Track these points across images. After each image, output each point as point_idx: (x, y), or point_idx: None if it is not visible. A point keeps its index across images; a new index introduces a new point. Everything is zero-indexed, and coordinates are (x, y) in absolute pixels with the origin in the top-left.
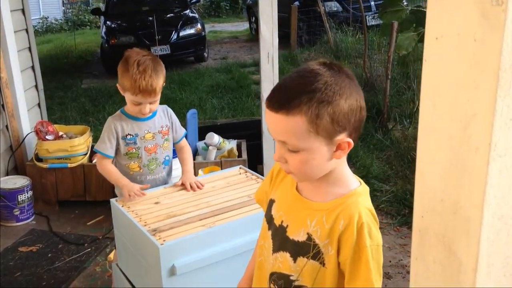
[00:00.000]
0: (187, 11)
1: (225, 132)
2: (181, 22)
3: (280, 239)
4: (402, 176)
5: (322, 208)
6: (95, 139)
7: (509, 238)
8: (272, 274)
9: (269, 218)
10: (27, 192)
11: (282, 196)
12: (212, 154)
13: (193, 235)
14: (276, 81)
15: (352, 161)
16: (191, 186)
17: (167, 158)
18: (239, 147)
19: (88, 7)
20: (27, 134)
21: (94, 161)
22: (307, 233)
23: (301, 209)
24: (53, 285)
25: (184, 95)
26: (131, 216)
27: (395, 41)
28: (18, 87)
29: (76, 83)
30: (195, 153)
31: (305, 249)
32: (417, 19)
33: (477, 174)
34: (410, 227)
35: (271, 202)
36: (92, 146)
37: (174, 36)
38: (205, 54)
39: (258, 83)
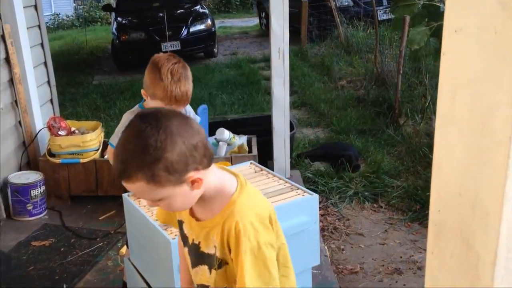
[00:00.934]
0: (197, 7)
1: (236, 127)
2: (191, 18)
3: (196, 255)
4: (414, 171)
5: (211, 225)
6: (107, 134)
7: None
8: (197, 286)
9: (183, 237)
10: (39, 187)
11: (186, 218)
12: (223, 150)
13: None
14: (287, 76)
15: (363, 156)
16: None
17: None
18: (249, 142)
19: (99, 4)
20: (40, 130)
21: (105, 157)
22: (214, 246)
23: (200, 229)
24: (66, 279)
25: (194, 91)
26: (143, 211)
27: (407, 35)
28: (31, 83)
29: (87, 79)
30: None
31: (213, 261)
32: (429, 13)
33: (497, 168)
34: (421, 223)
35: (181, 222)
36: (104, 142)
37: (184, 32)
38: (215, 50)
39: (268, 78)
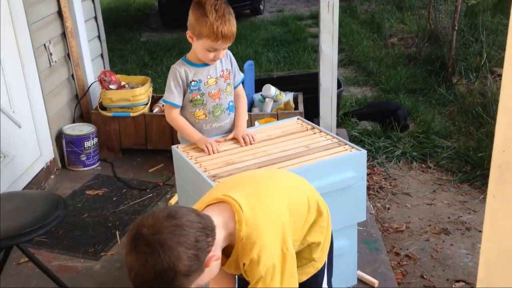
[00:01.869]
0: None
1: (282, 85)
2: None
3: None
4: (466, 132)
5: (234, 261)
6: (155, 91)
7: None
8: None
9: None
10: (92, 139)
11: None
12: (269, 106)
13: None
14: (336, 32)
15: (412, 116)
16: (244, 140)
17: (231, 104)
18: (295, 99)
19: None
20: (92, 83)
21: (154, 111)
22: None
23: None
24: (118, 226)
25: (240, 48)
26: (192, 162)
27: None
28: (82, 37)
29: (135, 36)
30: (251, 104)
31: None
32: None
33: None
34: (471, 184)
35: None
36: (153, 97)
37: None
38: (261, 7)
39: (315, 36)
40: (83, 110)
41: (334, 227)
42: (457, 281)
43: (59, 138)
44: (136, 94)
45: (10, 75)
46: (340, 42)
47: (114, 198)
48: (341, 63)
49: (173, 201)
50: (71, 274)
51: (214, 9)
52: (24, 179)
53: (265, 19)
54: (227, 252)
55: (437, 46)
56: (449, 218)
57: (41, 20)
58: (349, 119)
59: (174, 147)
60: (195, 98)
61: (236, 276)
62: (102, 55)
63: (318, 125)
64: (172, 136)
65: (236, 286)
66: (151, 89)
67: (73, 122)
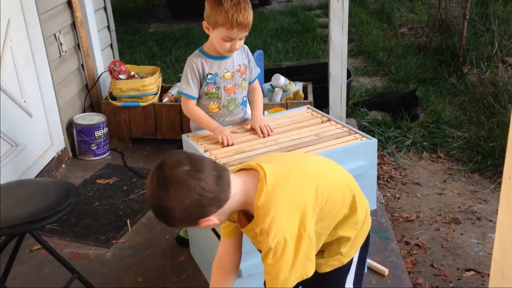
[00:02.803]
0: None
1: (291, 75)
2: None
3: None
4: (476, 122)
5: (251, 228)
6: (164, 81)
7: None
8: None
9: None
10: (103, 129)
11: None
12: (278, 96)
13: None
14: (346, 21)
15: (423, 105)
16: (261, 130)
17: (245, 99)
18: (305, 89)
19: None
20: (102, 73)
21: (164, 101)
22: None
23: (247, 232)
24: (129, 215)
25: (249, 38)
26: (202, 150)
27: None
28: (92, 27)
29: (143, 27)
30: None
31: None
32: None
33: None
34: (482, 174)
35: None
36: (162, 87)
37: None
38: None
39: (324, 26)
40: (93, 100)
41: None
42: (468, 270)
43: (69, 127)
44: (145, 84)
45: (21, 65)
46: (349, 32)
47: (125, 187)
48: (351, 53)
49: None
50: (83, 261)
51: None
52: (36, 168)
53: (274, 9)
54: (249, 216)
55: (448, 36)
56: (459, 207)
57: (51, 10)
58: (358, 109)
59: (184, 135)
60: (210, 91)
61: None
62: (111, 45)
63: (328, 114)
64: (181, 125)
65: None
66: (160, 79)
67: (83, 111)
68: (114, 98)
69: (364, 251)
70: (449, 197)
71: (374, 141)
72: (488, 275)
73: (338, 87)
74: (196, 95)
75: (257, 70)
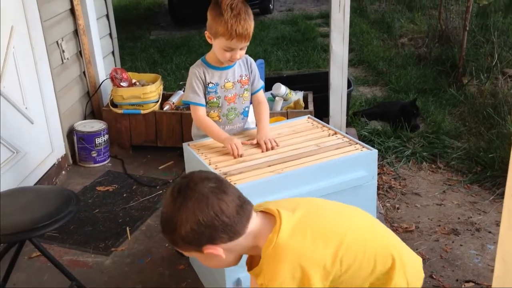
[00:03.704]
0: None
1: (292, 84)
2: None
3: None
4: (476, 133)
5: (255, 274)
6: (165, 89)
7: None
8: None
9: None
10: (103, 136)
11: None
12: (279, 105)
13: (263, 180)
14: (347, 31)
15: (423, 116)
16: (265, 144)
17: (246, 109)
18: (305, 98)
19: None
20: (103, 81)
21: (165, 109)
22: None
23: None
24: (129, 222)
25: (250, 47)
26: (202, 159)
27: None
28: (94, 35)
29: (145, 34)
30: None
31: None
32: None
33: None
34: (481, 185)
35: None
36: (163, 95)
37: None
38: (271, 6)
39: (324, 35)
40: (94, 107)
41: None
42: (467, 281)
43: (70, 134)
44: (147, 92)
45: (23, 71)
46: (350, 42)
47: (124, 195)
48: (351, 63)
49: None
50: (82, 269)
51: (230, 7)
52: (36, 175)
53: (275, 18)
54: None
55: (448, 47)
56: (458, 218)
57: (54, 17)
58: (358, 118)
59: (185, 144)
60: (212, 100)
61: None
62: (113, 53)
63: (328, 124)
64: (182, 133)
65: None
66: (161, 87)
67: (84, 118)
68: (115, 106)
69: None
70: (448, 208)
71: (374, 152)
72: (487, 287)
73: (339, 96)
74: (204, 103)
75: (260, 83)
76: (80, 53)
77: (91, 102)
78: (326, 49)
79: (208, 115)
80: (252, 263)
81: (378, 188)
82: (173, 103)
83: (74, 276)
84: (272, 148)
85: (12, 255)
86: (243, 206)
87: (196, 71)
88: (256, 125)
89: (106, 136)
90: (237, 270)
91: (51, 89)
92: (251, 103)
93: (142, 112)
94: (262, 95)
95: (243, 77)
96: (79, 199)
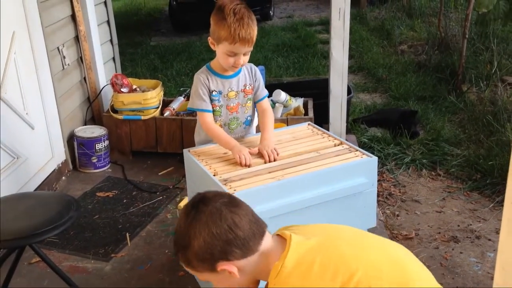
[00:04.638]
0: None
1: (292, 90)
2: None
3: None
4: (476, 140)
5: None
6: (165, 95)
7: None
8: None
9: None
10: (104, 141)
11: None
12: (279, 111)
13: (263, 186)
14: (347, 39)
15: (422, 123)
16: (268, 156)
17: (248, 118)
18: (305, 105)
19: None
20: (104, 87)
21: (165, 115)
22: None
23: None
24: (128, 228)
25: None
26: (203, 165)
27: None
28: (95, 41)
29: (145, 40)
30: None
31: None
32: None
33: None
34: (481, 192)
35: None
36: (164, 101)
37: None
38: (271, 13)
39: (324, 42)
40: (94, 112)
41: None
42: None
43: (70, 140)
44: (147, 98)
45: (24, 77)
46: (349, 48)
47: (125, 200)
48: (351, 70)
49: (183, 204)
50: (82, 275)
51: (233, 12)
52: (36, 180)
53: (275, 24)
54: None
55: (447, 54)
56: (458, 226)
57: (55, 23)
58: (358, 125)
59: (185, 150)
60: (214, 109)
61: None
62: (114, 59)
63: (328, 131)
64: (182, 139)
65: None
66: (162, 92)
67: (85, 124)
68: (115, 111)
69: None
70: (448, 215)
71: (374, 159)
72: None
73: (338, 103)
74: (211, 108)
75: (264, 92)
76: (81, 59)
77: (92, 108)
78: (326, 56)
79: None
80: None
81: (378, 195)
82: (174, 109)
83: (73, 282)
84: (274, 160)
85: (12, 261)
86: (257, 222)
87: (201, 77)
88: (260, 134)
89: (107, 142)
90: None
91: (51, 95)
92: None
93: (143, 118)
94: (267, 104)
95: (247, 87)
96: (79, 205)
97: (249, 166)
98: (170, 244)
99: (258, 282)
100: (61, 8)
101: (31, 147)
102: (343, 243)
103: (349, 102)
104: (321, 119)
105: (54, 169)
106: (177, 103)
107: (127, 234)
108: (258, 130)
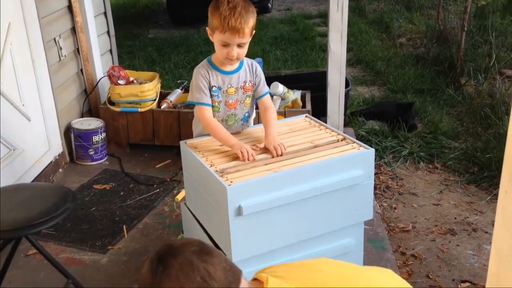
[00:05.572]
0: None
1: (290, 83)
2: None
3: None
4: (473, 133)
5: None
6: (162, 87)
7: None
8: None
9: None
10: (100, 134)
11: None
12: (276, 104)
13: (259, 178)
14: (345, 31)
15: (420, 116)
16: (275, 150)
17: (246, 114)
18: (303, 98)
19: None
20: (100, 78)
21: (162, 107)
22: None
23: None
24: (126, 220)
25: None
26: (200, 157)
27: None
28: (92, 32)
29: (143, 32)
30: None
31: None
32: None
33: None
34: (478, 185)
35: None
36: (161, 93)
37: None
38: (269, 5)
39: (323, 35)
40: (91, 104)
41: (340, 225)
42: (463, 281)
43: (67, 132)
44: (144, 90)
45: (20, 68)
46: (348, 41)
47: (122, 193)
48: (349, 63)
49: (180, 196)
50: (78, 267)
51: (227, 1)
52: (33, 172)
53: (273, 17)
54: None
55: (446, 47)
56: (455, 218)
57: (52, 14)
58: (356, 118)
59: (182, 142)
60: (213, 104)
61: None
62: (111, 51)
63: (325, 123)
64: (179, 132)
65: None
66: (159, 85)
67: (82, 116)
68: (112, 104)
69: None
70: (445, 208)
71: (371, 151)
72: (483, 287)
73: (336, 96)
74: (210, 102)
75: (265, 88)
76: (77, 51)
77: (89, 100)
78: (324, 49)
79: None
80: None
81: (375, 188)
82: (171, 102)
83: (70, 274)
84: (282, 154)
85: (8, 253)
86: (231, 270)
87: (201, 71)
88: (265, 131)
89: (103, 134)
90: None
91: (48, 87)
92: (257, 108)
93: (140, 110)
94: (269, 100)
95: (247, 83)
96: (76, 196)
97: (253, 160)
98: (167, 237)
99: None
100: None
101: (27, 139)
102: (325, 280)
103: (347, 95)
104: (319, 112)
105: (51, 161)
106: (175, 96)
107: (124, 227)
108: (255, 122)
